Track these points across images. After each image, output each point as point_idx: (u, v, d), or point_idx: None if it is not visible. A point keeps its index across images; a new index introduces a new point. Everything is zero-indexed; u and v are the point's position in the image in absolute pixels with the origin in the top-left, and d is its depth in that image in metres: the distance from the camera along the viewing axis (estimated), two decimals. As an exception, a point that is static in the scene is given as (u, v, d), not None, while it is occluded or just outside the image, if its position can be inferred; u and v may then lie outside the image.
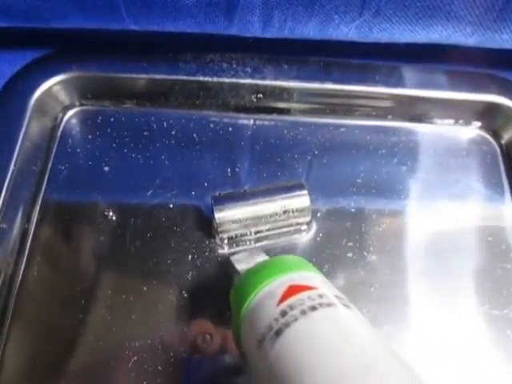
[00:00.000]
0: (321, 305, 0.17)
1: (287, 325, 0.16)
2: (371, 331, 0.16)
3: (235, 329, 0.20)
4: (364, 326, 0.17)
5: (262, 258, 0.25)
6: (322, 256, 0.28)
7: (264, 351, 0.16)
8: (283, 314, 0.17)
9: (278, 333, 0.16)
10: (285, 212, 0.26)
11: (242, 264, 0.24)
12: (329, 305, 0.17)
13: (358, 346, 0.15)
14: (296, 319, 0.16)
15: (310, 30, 0.28)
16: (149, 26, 0.29)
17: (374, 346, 0.16)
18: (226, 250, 0.28)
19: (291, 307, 0.17)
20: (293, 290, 0.18)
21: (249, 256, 0.25)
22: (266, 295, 0.18)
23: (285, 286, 0.18)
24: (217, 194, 0.27)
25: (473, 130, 0.33)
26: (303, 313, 0.16)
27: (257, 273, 0.20)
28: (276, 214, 0.26)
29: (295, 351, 0.15)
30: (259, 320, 0.17)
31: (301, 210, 0.27)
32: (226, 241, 0.28)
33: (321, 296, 0.17)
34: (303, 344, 0.15)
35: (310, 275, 0.19)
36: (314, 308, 0.16)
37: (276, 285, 0.18)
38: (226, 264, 0.27)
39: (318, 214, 0.29)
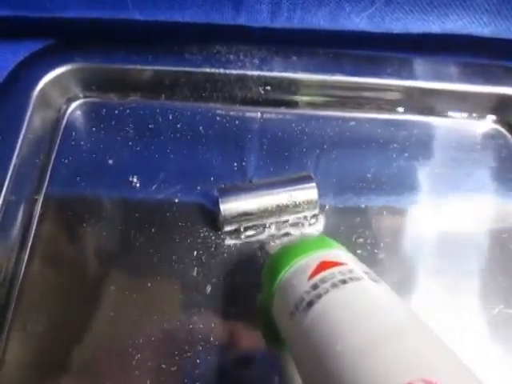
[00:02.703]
0: (351, 279, 0.17)
1: (319, 296, 0.17)
2: (399, 301, 0.17)
3: (265, 303, 0.21)
4: (392, 296, 0.17)
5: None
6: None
7: (296, 321, 0.17)
8: (314, 287, 0.18)
9: (310, 304, 0.17)
10: (292, 204, 0.26)
11: (272, 247, 0.25)
12: (358, 279, 0.18)
13: (386, 313, 0.16)
14: (327, 291, 0.17)
15: (319, 19, 0.27)
16: (154, 16, 0.28)
17: (402, 313, 0.16)
18: (231, 244, 0.27)
19: (323, 281, 0.18)
20: (324, 265, 0.19)
21: (279, 240, 0.26)
22: (298, 270, 0.19)
23: (316, 261, 0.19)
24: (222, 185, 0.26)
25: (487, 124, 0.32)
26: (334, 285, 0.17)
27: (290, 250, 0.21)
28: (283, 206, 0.26)
29: (327, 320, 0.16)
30: (291, 293, 0.18)
31: (308, 203, 0.26)
32: (231, 234, 0.27)
33: (350, 271, 0.18)
34: (334, 313, 0.16)
35: (339, 253, 0.20)
36: (344, 281, 0.17)
37: (308, 261, 0.19)
38: (232, 258, 0.26)
39: (327, 209, 0.28)
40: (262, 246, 0.26)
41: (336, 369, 0.15)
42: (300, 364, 0.18)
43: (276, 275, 0.20)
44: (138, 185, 0.29)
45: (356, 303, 0.17)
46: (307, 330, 0.17)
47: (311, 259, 0.19)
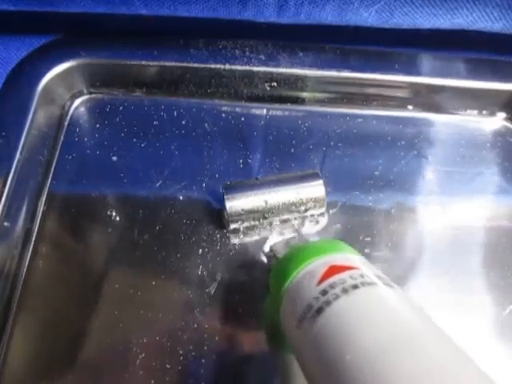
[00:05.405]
0: (362, 284, 0.17)
1: (328, 303, 0.16)
2: (414, 308, 0.16)
3: (272, 309, 0.20)
4: (407, 303, 0.16)
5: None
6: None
7: (304, 329, 0.17)
8: (324, 292, 0.17)
9: (319, 311, 0.16)
10: (299, 202, 0.25)
11: (280, 250, 0.24)
12: (370, 284, 0.17)
13: (400, 321, 0.15)
14: (337, 297, 0.16)
15: (327, 14, 0.27)
16: (159, 11, 0.27)
17: (417, 321, 0.16)
18: (237, 243, 0.26)
19: (332, 286, 0.17)
20: (334, 269, 0.18)
21: (286, 243, 0.25)
22: (306, 275, 0.18)
23: (325, 266, 0.18)
24: (227, 182, 0.26)
25: (497, 121, 0.31)
26: (345, 291, 0.16)
27: (297, 254, 0.20)
28: (290, 203, 0.25)
29: (336, 328, 0.16)
30: (299, 299, 0.18)
31: (316, 200, 0.26)
32: (237, 232, 0.27)
33: (362, 275, 0.17)
34: (344, 320, 0.16)
35: (350, 256, 0.19)
36: (355, 286, 0.17)
37: (316, 265, 0.19)
38: (238, 257, 0.26)
39: (334, 208, 0.28)
40: (270, 248, 0.26)
41: (346, 380, 0.14)
42: (307, 374, 0.17)
43: (284, 280, 0.19)
44: (142, 182, 0.28)
45: (368, 310, 0.16)
46: (316, 339, 0.16)
47: (320, 263, 0.19)
